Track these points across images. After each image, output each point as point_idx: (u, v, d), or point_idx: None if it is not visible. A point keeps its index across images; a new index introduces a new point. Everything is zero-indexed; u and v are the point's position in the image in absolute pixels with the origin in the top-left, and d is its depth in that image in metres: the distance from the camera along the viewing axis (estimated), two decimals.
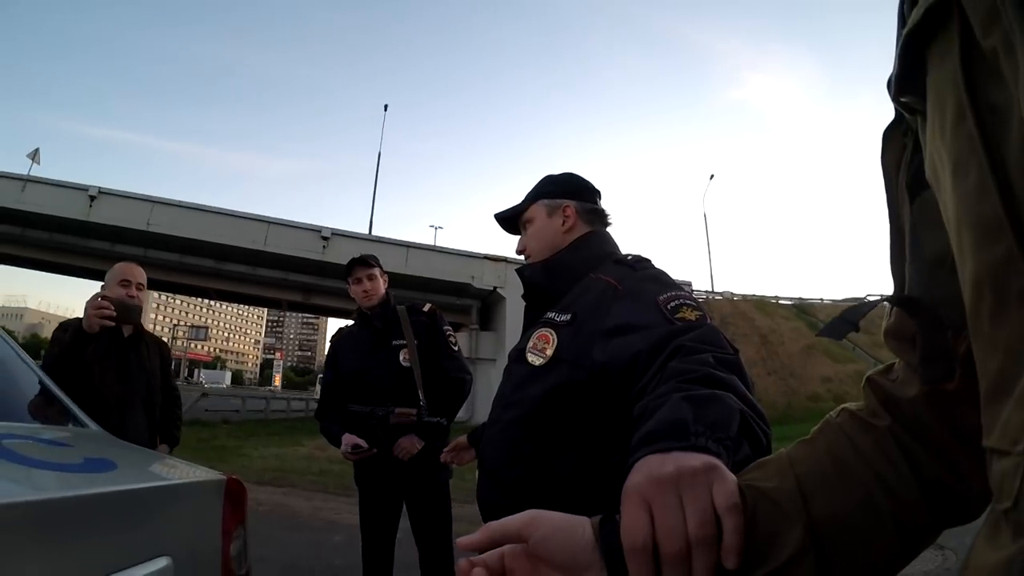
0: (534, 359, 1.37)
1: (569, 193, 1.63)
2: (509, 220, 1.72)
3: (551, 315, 1.42)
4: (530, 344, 1.40)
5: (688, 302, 1.25)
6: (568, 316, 1.37)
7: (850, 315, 0.60)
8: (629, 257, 1.49)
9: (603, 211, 1.66)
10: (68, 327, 2.78)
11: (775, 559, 0.56)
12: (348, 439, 2.75)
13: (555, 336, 1.36)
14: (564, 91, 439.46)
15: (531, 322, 1.50)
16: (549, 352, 1.35)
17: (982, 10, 0.41)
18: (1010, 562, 0.40)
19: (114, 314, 2.57)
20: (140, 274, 3.11)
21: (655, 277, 1.37)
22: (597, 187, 1.69)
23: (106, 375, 2.75)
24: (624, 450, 0.82)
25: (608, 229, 1.66)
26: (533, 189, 1.68)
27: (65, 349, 2.57)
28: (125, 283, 2.99)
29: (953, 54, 0.44)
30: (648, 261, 1.47)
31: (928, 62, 0.49)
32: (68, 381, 2.52)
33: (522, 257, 1.67)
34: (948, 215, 0.47)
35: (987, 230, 0.41)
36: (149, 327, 2.95)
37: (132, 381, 2.88)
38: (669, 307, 1.22)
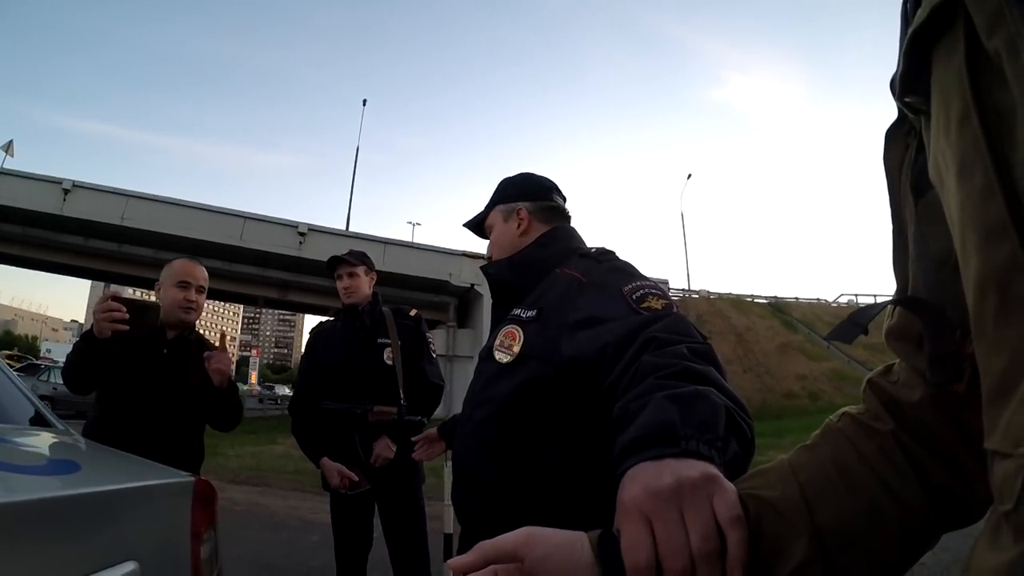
0: (501, 356, 1.37)
1: (523, 195, 1.64)
2: (477, 228, 1.74)
3: (517, 312, 1.42)
4: (497, 342, 1.40)
5: (653, 291, 1.23)
6: (534, 312, 1.37)
7: (858, 318, 0.59)
8: (594, 250, 1.49)
9: (560, 207, 1.67)
10: None
11: (781, 570, 0.56)
12: (333, 469, 2.71)
13: (521, 332, 1.36)
14: (544, 89, 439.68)
15: (499, 320, 1.49)
16: (516, 349, 1.34)
17: (986, 12, 0.41)
18: (1012, 565, 0.40)
19: (126, 316, 2.20)
20: (202, 275, 2.68)
21: (619, 268, 1.36)
22: (552, 182, 1.70)
23: (128, 384, 2.41)
24: (603, 450, 0.80)
25: (574, 223, 1.67)
26: (493, 195, 1.70)
27: (77, 355, 2.31)
28: (183, 285, 2.60)
29: (959, 54, 0.44)
30: (612, 253, 1.47)
31: (933, 62, 0.48)
32: (87, 389, 2.42)
33: None
34: (952, 216, 0.47)
35: (991, 232, 0.42)
36: None
37: (158, 394, 2.44)
38: (634, 297, 1.21)
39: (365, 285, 3.02)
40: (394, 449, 2.72)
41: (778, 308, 31.58)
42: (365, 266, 3.05)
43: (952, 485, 0.58)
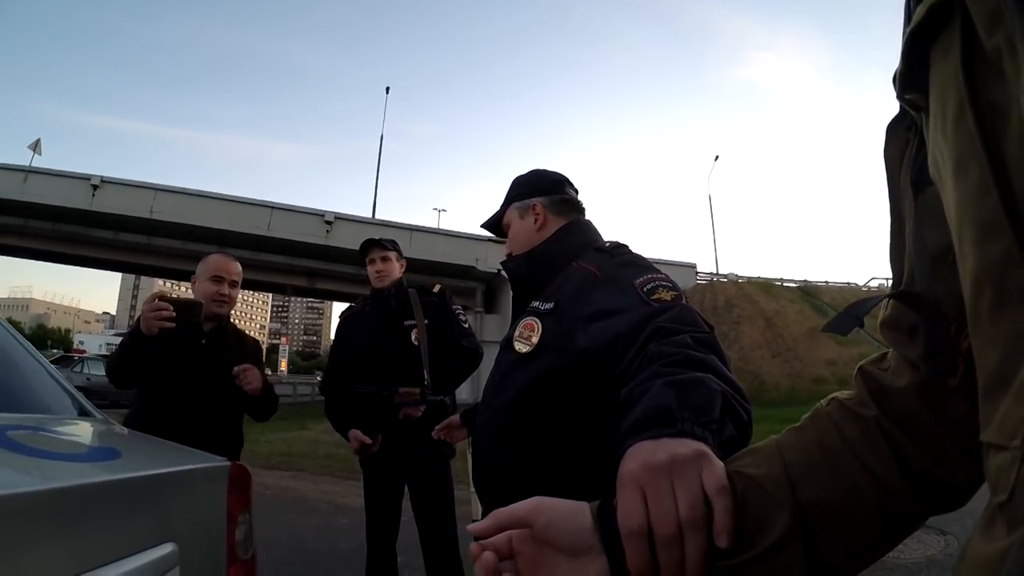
0: (520, 347, 1.42)
1: (536, 191, 1.68)
2: (495, 227, 1.77)
3: (536, 304, 1.47)
4: (516, 333, 1.45)
5: (664, 284, 1.29)
6: (551, 304, 1.42)
7: (855, 310, 0.61)
8: (608, 244, 1.53)
9: (573, 199, 1.70)
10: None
11: (764, 542, 0.58)
12: (355, 436, 2.78)
13: (540, 324, 1.41)
14: (569, 71, 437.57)
15: (518, 312, 1.54)
16: (535, 340, 1.40)
17: (986, 10, 0.41)
18: (1004, 553, 0.40)
19: (173, 315, 2.33)
20: (235, 269, 2.81)
21: (631, 262, 1.42)
22: (563, 176, 1.73)
23: (174, 377, 2.52)
24: (612, 436, 0.85)
25: (598, 212, 1.70)
26: (506, 194, 1.74)
27: (124, 352, 2.40)
28: (217, 279, 2.73)
29: (955, 52, 0.44)
30: (626, 247, 1.51)
31: (931, 60, 0.49)
32: (131, 384, 2.52)
33: None
34: (950, 212, 0.48)
35: (987, 228, 0.42)
36: None
37: (200, 383, 2.57)
38: (645, 289, 1.27)
39: (396, 270, 3.06)
40: (421, 410, 2.77)
41: (808, 292, 31.13)
42: (396, 252, 3.09)
43: (933, 470, 0.59)
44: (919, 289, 0.56)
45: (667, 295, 1.25)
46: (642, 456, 0.67)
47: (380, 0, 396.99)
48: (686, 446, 0.67)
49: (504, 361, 1.48)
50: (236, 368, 2.60)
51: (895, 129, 0.61)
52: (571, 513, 0.64)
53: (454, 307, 3.11)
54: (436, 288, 3.13)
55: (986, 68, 0.42)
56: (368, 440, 2.75)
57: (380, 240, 3.08)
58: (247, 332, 2.98)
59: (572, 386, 1.32)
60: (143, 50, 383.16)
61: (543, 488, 0.92)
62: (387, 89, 36.10)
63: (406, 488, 2.91)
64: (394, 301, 3.00)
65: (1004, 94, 0.40)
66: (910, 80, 0.53)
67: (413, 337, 2.92)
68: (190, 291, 2.83)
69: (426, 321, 2.96)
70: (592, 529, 0.63)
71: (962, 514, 0.63)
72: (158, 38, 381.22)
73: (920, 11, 0.48)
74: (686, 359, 0.98)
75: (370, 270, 3.05)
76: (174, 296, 2.46)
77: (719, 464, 0.64)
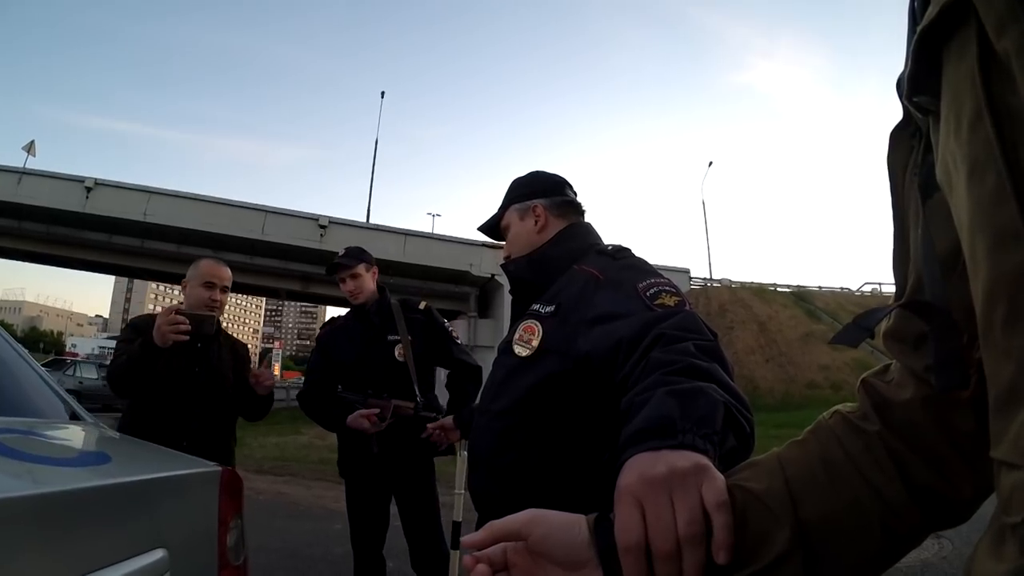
0: (521, 350, 1.40)
1: (536, 192, 1.67)
2: (493, 230, 1.76)
3: (536, 307, 1.45)
4: (516, 336, 1.43)
5: (667, 288, 1.28)
6: (552, 307, 1.40)
7: (864, 321, 0.59)
8: (610, 247, 1.51)
9: (574, 201, 1.69)
10: (139, 327, 2.60)
11: (763, 558, 0.58)
12: (359, 417, 2.69)
13: (540, 327, 1.39)
14: (564, 76, 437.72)
15: (518, 315, 1.52)
16: (535, 343, 1.38)
17: (996, 12, 0.40)
18: (1015, 574, 0.40)
19: (189, 329, 2.41)
20: (226, 275, 2.85)
21: (634, 265, 1.40)
22: (562, 178, 1.72)
23: (173, 381, 2.55)
24: (612, 442, 0.84)
25: (594, 215, 1.70)
26: (505, 196, 1.72)
27: (135, 362, 2.41)
28: (209, 285, 2.75)
29: (970, 54, 0.43)
30: (628, 250, 1.50)
31: (944, 62, 0.47)
32: (135, 393, 2.54)
33: None
34: (961, 219, 0.46)
35: (1003, 237, 0.41)
36: None
37: (200, 386, 2.63)
38: (648, 294, 1.26)
39: (369, 282, 3.01)
40: (411, 408, 2.76)
41: (801, 297, 31.16)
42: (364, 263, 3.02)
43: (937, 486, 0.58)
44: (928, 298, 0.54)
45: (670, 300, 1.24)
46: (641, 468, 0.66)
47: (378, 2, 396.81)
48: (686, 459, 0.66)
49: (503, 365, 1.46)
50: (256, 372, 2.79)
51: (899, 135, 0.59)
52: (567, 526, 0.63)
53: (446, 325, 3.10)
54: (422, 305, 3.09)
55: (1004, 71, 0.40)
56: (375, 409, 2.70)
57: (342, 259, 3.01)
58: (239, 336, 3.00)
59: (573, 390, 1.30)
60: (139, 51, 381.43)
61: (543, 493, 0.91)
62: (382, 94, 36.10)
63: (391, 493, 2.90)
64: (376, 318, 2.97)
65: (1021, 99, 0.39)
66: (919, 82, 0.51)
67: (396, 353, 2.89)
68: (182, 295, 2.90)
69: (410, 338, 2.92)
70: (588, 542, 0.62)
71: None
72: (151, 39, 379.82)
73: (932, 10, 0.46)
74: (689, 368, 0.97)
75: (343, 290, 3.02)
76: (188, 311, 2.53)
77: (719, 478, 0.63)
